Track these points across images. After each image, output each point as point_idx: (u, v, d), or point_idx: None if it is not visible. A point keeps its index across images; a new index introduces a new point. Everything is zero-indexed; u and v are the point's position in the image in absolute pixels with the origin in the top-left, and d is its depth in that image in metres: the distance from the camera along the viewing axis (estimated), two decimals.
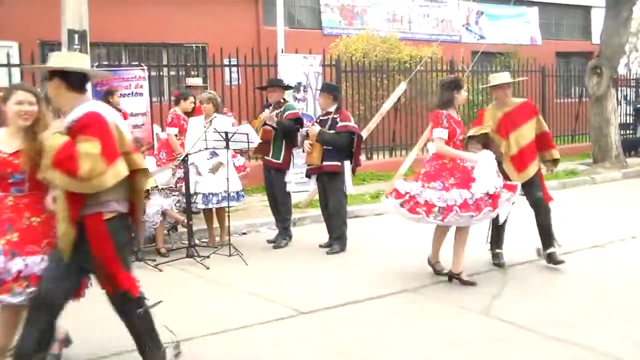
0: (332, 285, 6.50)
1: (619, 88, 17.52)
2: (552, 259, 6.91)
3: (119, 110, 9.66)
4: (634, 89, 20.66)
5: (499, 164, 6.58)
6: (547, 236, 6.94)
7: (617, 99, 16.24)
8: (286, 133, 8.20)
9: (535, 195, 6.90)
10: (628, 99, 20.00)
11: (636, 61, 32.91)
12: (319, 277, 6.90)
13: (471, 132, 6.78)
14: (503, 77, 7.07)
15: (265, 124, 8.22)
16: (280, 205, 8.41)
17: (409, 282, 6.19)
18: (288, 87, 9.10)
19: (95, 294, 4.37)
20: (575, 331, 5.09)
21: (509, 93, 6.97)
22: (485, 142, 6.66)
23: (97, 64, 10.65)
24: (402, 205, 6.28)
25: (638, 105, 18.08)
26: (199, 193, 8.20)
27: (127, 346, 4.50)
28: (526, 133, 6.87)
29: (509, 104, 6.95)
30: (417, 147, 11.52)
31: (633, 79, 21.04)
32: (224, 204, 8.10)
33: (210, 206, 8.26)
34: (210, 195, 8.18)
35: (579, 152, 17.03)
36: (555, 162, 7.16)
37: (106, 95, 9.76)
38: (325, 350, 4.87)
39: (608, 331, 5.11)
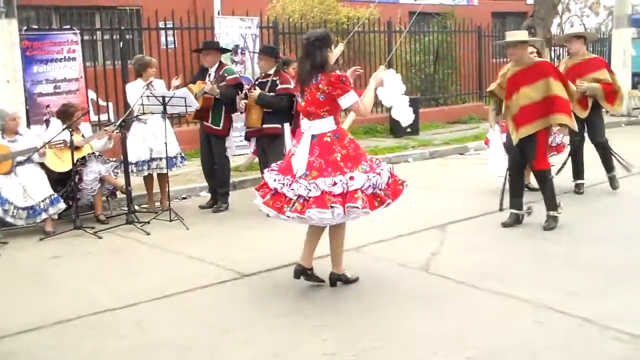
0: (274, 248, 6.51)
1: (552, 47, 17.83)
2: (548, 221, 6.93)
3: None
4: (566, 49, 21.03)
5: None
6: (546, 200, 6.97)
7: (551, 58, 16.54)
8: (227, 100, 8.14)
9: (529, 160, 6.92)
10: (561, 58, 20.39)
11: (568, 21, 33.52)
12: (261, 239, 6.91)
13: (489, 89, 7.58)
14: (515, 36, 6.96)
15: (205, 92, 8.07)
16: (220, 171, 8.37)
17: (349, 241, 6.26)
18: (224, 50, 8.97)
19: None
20: (512, 285, 5.25)
21: (521, 52, 6.78)
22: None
23: (25, 28, 10.28)
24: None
25: None
26: (157, 158, 8.14)
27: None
28: (528, 94, 6.71)
29: (522, 63, 6.82)
30: None
31: None
32: (177, 167, 8.41)
33: (174, 170, 8.34)
34: (174, 159, 8.26)
35: None
36: (565, 127, 6.92)
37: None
38: (271, 312, 4.91)
39: (543, 283, 5.29)
